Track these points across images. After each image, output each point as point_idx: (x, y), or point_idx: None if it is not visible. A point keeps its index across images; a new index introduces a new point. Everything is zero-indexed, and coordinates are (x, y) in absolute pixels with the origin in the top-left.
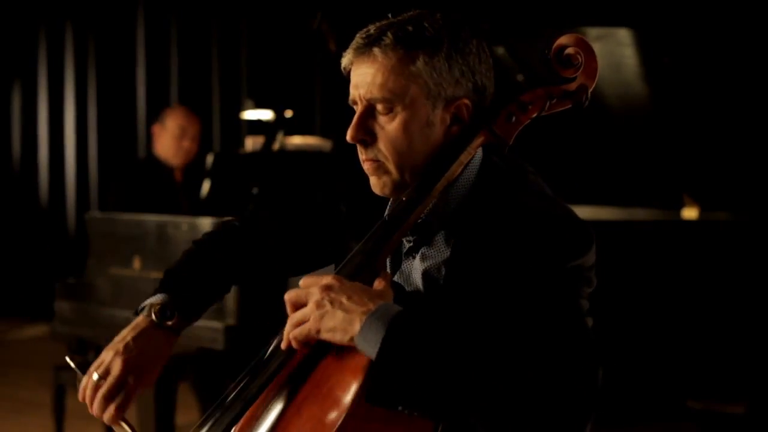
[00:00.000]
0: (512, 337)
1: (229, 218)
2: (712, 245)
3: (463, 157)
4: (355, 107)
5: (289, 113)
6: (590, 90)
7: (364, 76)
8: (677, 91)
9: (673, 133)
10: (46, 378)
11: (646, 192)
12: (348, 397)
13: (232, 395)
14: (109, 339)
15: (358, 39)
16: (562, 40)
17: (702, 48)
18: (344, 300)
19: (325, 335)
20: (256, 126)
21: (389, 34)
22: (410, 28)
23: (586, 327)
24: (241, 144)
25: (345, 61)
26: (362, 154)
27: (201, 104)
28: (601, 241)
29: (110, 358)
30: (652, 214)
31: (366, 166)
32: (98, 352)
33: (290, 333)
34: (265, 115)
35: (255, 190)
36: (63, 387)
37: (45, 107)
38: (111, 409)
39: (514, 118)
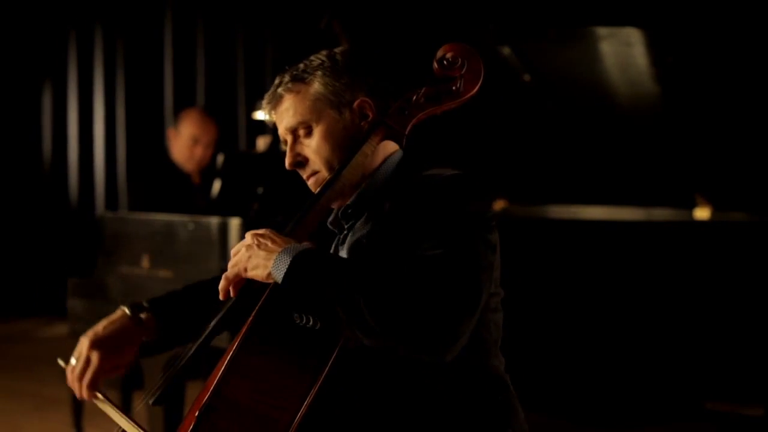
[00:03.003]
0: (404, 261)
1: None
2: (730, 246)
3: (366, 148)
4: (285, 146)
5: None
6: (477, 88)
7: (281, 116)
8: (685, 89)
9: (684, 132)
10: None
11: (658, 192)
12: (242, 334)
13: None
14: None
15: (267, 96)
16: (444, 49)
17: (710, 47)
18: (269, 243)
19: (251, 273)
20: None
21: (287, 76)
22: (301, 66)
23: (473, 256)
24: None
25: (266, 115)
26: (303, 174)
27: (226, 105)
28: (619, 242)
29: (81, 343)
30: (667, 214)
31: (309, 183)
32: None
33: (225, 275)
34: None
35: (260, 190)
36: None
37: (75, 108)
38: (83, 385)
39: (406, 112)
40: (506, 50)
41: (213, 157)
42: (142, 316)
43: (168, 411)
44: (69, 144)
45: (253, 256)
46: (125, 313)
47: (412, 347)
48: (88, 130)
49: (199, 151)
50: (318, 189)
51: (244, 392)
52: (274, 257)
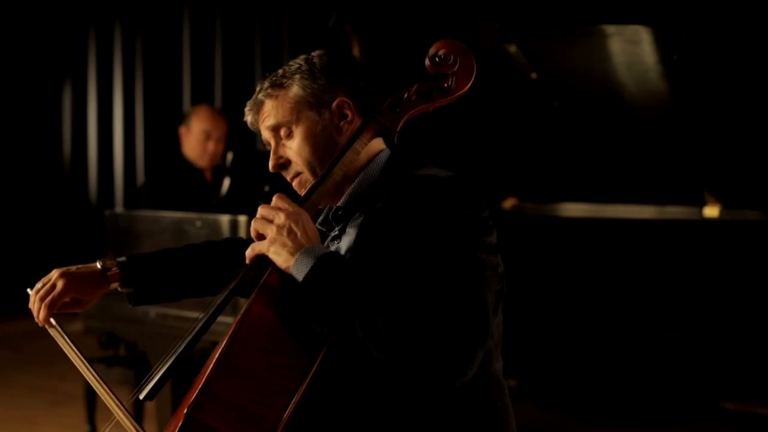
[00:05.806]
0: (411, 275)
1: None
2: (746, 245)
3: (358, 145)
4: (269, 148)
5: None
6: (469, 85)
7: (263, 120)
8: (693, 87)
9: (692, 130)
10: None
11: (667, 189)
12: (232, 331)
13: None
14: (131, 333)
15: (248, 103)
16: (436, 46)
17: (718, 45)
18: (299, 234)
19: (272, 256)
20: None
21: (266, 83)
22: (280, 72)
23: (479, 272)
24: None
25: (249, 120)
26: (287, 177)
27: (244, 102)
28: (633, 240)
29: (53, 272)
30: (676, 212)
31: (294, 185)
32: (128, 346)
33: (251, 246)
34: None
35: (267, 188)
36: None
37: (94, 106)
38: (43, 307)
39: (398, 109)
40: (513, 48)
41: (224, 155)
42: (111, 270)
43: (176, 406)
44: (89, 142)
45: (279, 243)
46: (96, 264)
47: (429, 374)
48: (108, 127)
49: (211, 146)
50: (303, 190)
51: (233, 390)
52: (297, 255)
